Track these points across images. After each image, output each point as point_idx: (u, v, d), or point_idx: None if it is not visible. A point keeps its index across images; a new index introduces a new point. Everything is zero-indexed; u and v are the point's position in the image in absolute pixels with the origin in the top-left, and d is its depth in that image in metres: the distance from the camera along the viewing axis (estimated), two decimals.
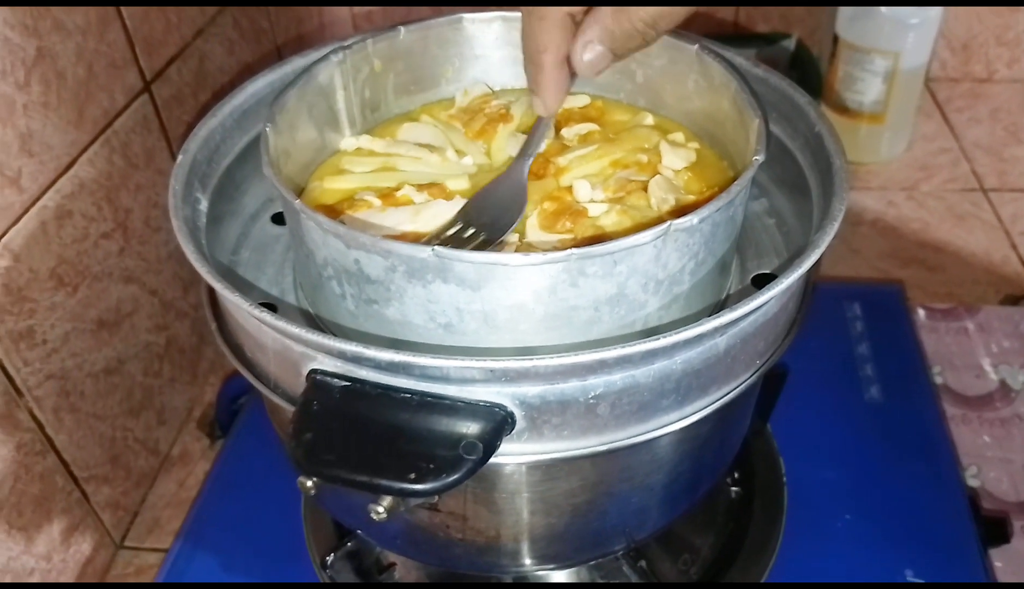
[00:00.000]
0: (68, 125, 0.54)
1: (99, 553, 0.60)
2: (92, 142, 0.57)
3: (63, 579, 0.57)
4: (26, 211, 0.51)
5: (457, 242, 0.37)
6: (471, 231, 0.38)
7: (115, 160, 0.59)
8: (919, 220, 0.84)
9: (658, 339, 0.31)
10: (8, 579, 0.52)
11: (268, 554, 0.53)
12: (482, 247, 0.37)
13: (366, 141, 0.45)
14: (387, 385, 0.32)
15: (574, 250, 0.32)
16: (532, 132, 0.43)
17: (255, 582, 0.51)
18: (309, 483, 0.35)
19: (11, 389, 0.51)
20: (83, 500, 0.58)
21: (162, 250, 0.65)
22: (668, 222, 0.33)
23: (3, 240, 0.50)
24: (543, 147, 0.44)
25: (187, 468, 0.67)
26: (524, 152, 0.42)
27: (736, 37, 0.97)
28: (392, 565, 0.51)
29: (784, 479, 0.55)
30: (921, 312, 0.72)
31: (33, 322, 0.52)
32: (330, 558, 0.47)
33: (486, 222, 0.39)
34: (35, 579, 0.54)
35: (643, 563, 0.46)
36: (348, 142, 0.45)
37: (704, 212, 0.33)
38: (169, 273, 0.66)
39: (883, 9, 0.80)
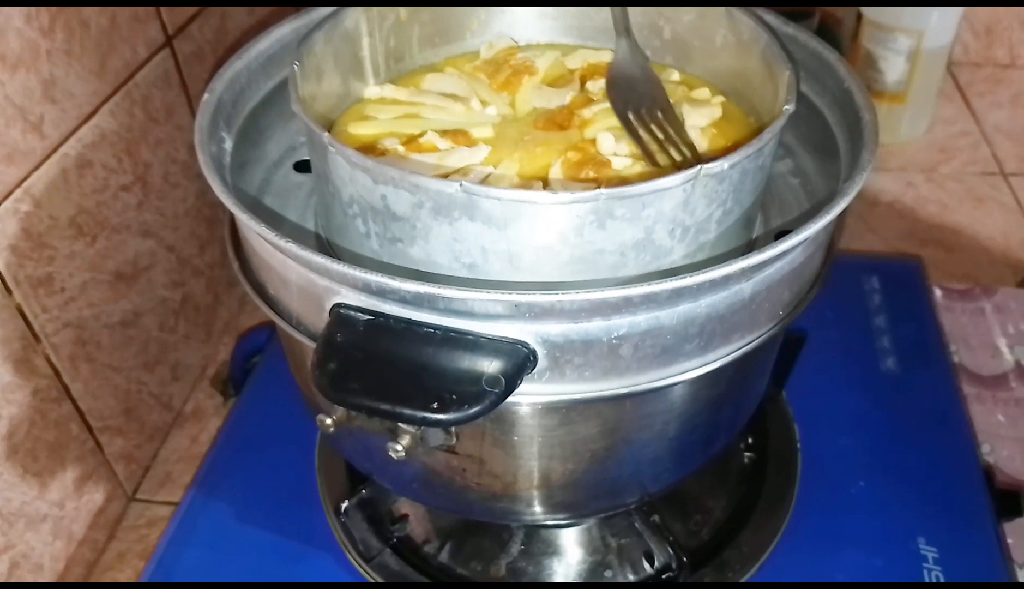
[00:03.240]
0: (90, 74, 0.54)
1: (111, 504, 0.61)
2: (113, 93, 0.57)
3: (75, 527, 0.57)
4: (47, 157, 0.51)
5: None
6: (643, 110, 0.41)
7: (136, 113, 0.59)
8: (937, 202, 0.83)
9: (685, 278, 0.31)
10: (22, 523, 0.52)
11: (281, 503, 0.53)
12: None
13: (390, 90, 0.45)
14: (411, 319, 0.32)
15: (603, 190, 0.32)
16: None
17: (259, 582, 0.50)
18: (329, 421, 0.35)
19: (29, 334, 0.51)
20: (97, 450, 0.59)
21: (180, 207, 0.66)
22: (699, 167, 0.32)
23: (24, 185, 0.50)
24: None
25: (200, 424, 0.67)
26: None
27: None
28: (405, 516, 0.51)
29: (798, 445, 0.55)
30: (938, 292, 0.71)
31: (52, 269, 0.52)
32: (344, 505, 0.47)
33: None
34: (48, 526, 0.55)
35: (655, 518, 0.46)
36: (372, 90, 0.45)
37: (734, 158, 0.33)
38: (186, 230, 0.67)
39: None
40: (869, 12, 0.83)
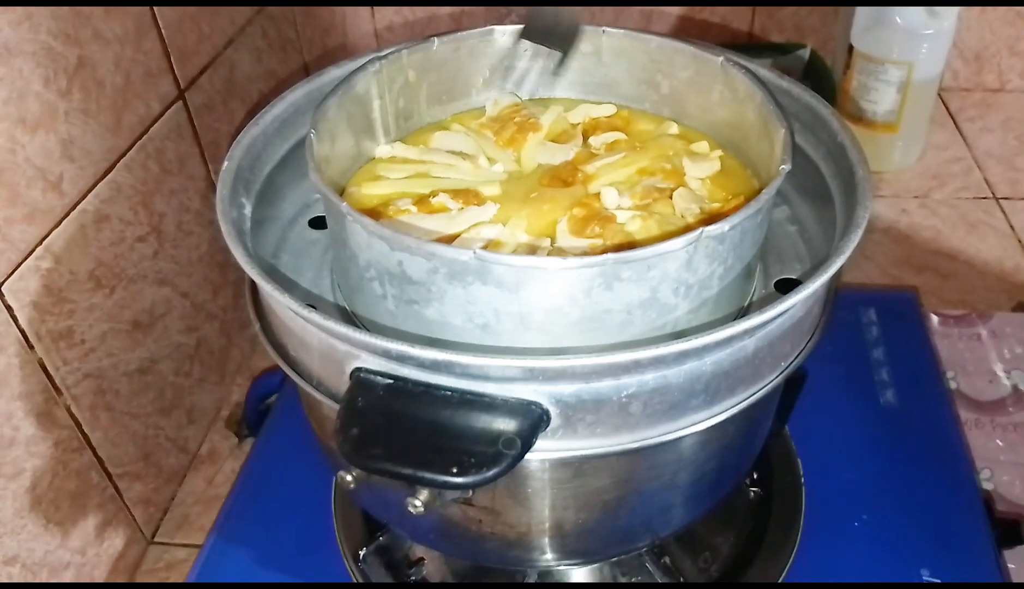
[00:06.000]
0: (107, 131, 0.56)
1: (131, 548, 0.62)
2: (129, 148, 0.59)
3: (96, 573, 0.58)
4: (67, 215, 0.53)
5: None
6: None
7: (150, 166, 0.61)
8: (932, 228, 0.85)
9: (690, 340, 0.32)
10: (45, 573, 0.54)
11: (300, 549, 0.54)
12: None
13: (400, 149, 0.47)
14: (428, 383, 0.34)
15: (610, 255, 0.33)
16: None
17: (288, 582, 0.52)
18: (349, 478, 0.37)
19: (50, 387, 0.53)
20: (116, 496, 0.60)
21: (193, 253, 0.67)
22: (700, 229, 0.34)
23: (45, 242, 0.51)
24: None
25: (215, 466, 0.69)
26: None
27: (751, 47, 0.98)
28: (421, 560, 0.52)
29: (802, 480, 0.56)
30: (934, 318, 0.73)
31: (72, 322, 0.54)
32: (362, 552, 0.48)
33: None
34: (70, 573, 0.56)
35: (666, 559, 0.47)
36: (383, 150, 0.47)
37: (734, 220, 0.35)
38: (200, 276, 0.68)
39: (897, 19, 0.82)
40: (860, 45, 0.85)
